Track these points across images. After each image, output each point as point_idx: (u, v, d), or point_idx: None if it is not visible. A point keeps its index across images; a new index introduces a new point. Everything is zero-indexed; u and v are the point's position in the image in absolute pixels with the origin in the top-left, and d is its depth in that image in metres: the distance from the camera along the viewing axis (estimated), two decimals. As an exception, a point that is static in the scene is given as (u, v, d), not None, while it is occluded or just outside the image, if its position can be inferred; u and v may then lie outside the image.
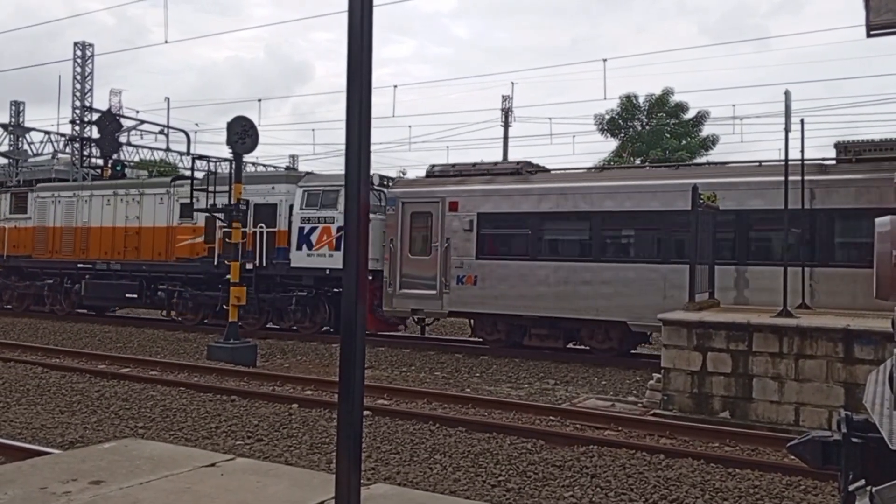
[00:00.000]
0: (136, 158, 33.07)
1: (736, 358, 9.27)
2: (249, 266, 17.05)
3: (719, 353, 9.38)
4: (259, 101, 44.83)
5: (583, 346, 15.24)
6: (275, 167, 38.39)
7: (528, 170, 16.24)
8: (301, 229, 17.38)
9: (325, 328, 17.74)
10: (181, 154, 32.18)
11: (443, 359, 14.90)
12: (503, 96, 36.27)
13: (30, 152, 32.75)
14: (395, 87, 70.42)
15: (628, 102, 36.58)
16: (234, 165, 14.53)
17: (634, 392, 11.59)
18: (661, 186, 14.12)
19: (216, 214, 15.60)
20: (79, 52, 31.41)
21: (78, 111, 31.01)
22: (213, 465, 4.34)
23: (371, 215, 15.84)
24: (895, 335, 2.76)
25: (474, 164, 17.17)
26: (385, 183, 17.94)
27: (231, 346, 13.89)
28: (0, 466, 4.83)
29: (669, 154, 33.30)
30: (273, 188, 18.23)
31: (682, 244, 13.29)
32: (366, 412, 6.56)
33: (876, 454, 2.57)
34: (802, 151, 11.24)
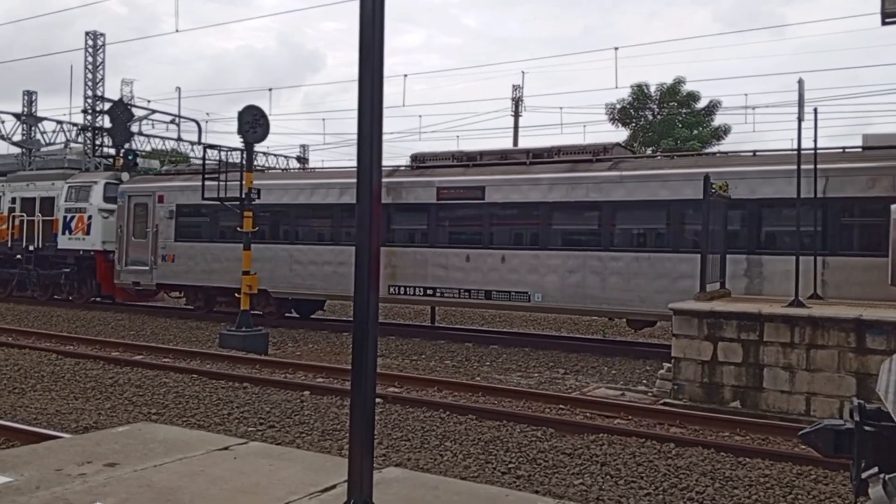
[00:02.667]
0: (148, 148, 33.19)
1: (747, 348, 9.25)
2: (31, 248, 22.22)
3: (730, 342, 9.36)
4: (270, 90, 44.80)
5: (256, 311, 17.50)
6: (286, 157, 38.44)
7: (222, 170, 18.87)
8: (65, 217, 21.55)
9: (92, 299, 21.56)
10: (192, 143, 32.26)
11: (453, 347, 14.94)
12: (513, 86, 36.19)
13: (42, 142, 32.93)
14: (405, 76, 70.24)
15: (639, 91, 36.31)
16: (245, 154, 14.57)
17: (644, 381, 11.59)
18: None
19: (228, 203, 15.66)
20: (90, 42, 31.52)
21: (90, 101, 31.15)
22: (226, 448, 4.38)
23: (110, 206, 20.80)
24: None
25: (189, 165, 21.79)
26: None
27: (243, 334, 13.98)
28: (16, 449, 4.89)
29: (681, 144, 33.10)
30: (53, 184, 22.53)
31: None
32: (377, 399, 6.61)
33: (889, 442, 2.57)
34: (815, 141, 11.14)
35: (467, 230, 15.60)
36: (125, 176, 21.70)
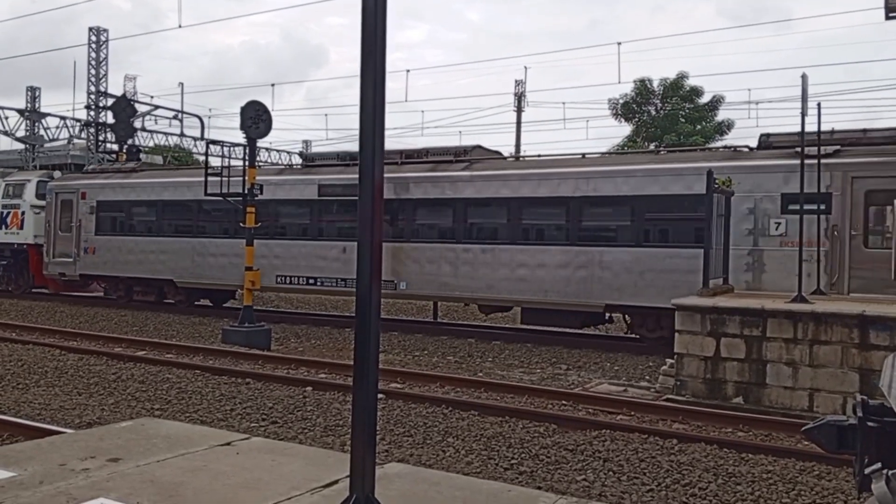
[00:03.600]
0: (151, 144, 33.24)
1: (750, 343, 9.24)
2: None
3: (733, 338, 9.35)
4: (272, 85, 44.78)
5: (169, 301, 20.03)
6: (288, 153, 38.43)
7: (140, 168, 20.73)
8: (2, 213, 22.99)
9: (28, 290, 22.83)
10: (195, 139, 32.30)
11: (455, 343, 14.94)
12: (516, 81, 36.12)
13: (45, 138, 32.97)
14: (408, 71, 70.04)
15: (642, 87, 36.23)
16: (247, 150, 14.56)
17: (647, 377, 11.58)
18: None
19: (231, 199, 15.66)
20: (94, 38, 31.52)
21: (93, 96, 31.16)
22: (228, 444, 4.38)
23: (42, 202, 22.01)
24: None
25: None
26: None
27: (246, 330, 13.99)
28: (20, 444, 4.91)
29: (683, 139, 33.02)
30: None
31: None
32: (379, 395, 6.60)
33: (892, 438, 2.57)
34: (819, 136, 11.12)
35: (344, 224, 16.66)
36: (57, 174, 23.65)
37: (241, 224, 14.53)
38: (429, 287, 15.69)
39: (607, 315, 15.37)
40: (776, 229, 12.73)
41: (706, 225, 10.96)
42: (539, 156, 16.88)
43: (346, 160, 17.29)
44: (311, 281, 16.94)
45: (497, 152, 18.05)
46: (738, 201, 12.57)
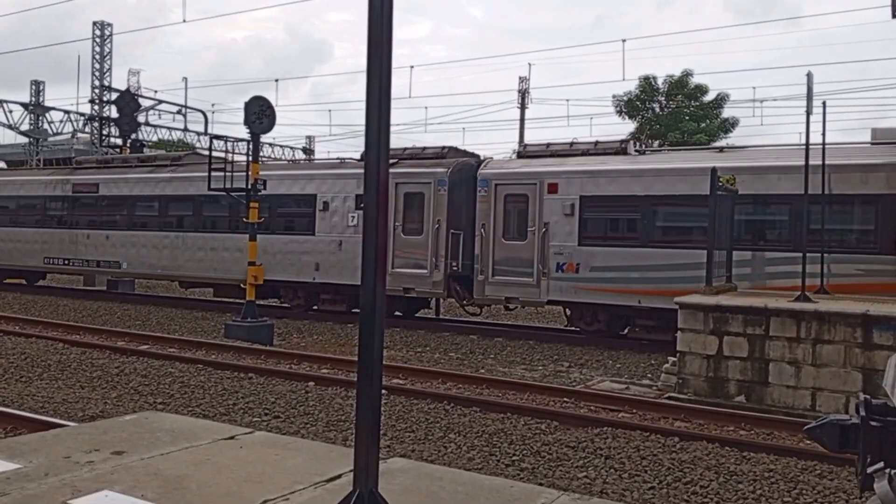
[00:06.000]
0: (155, 138, 33.25)
1: (752, 342, 9.24)
2: None
3: (736, 337, 9.35)
4: (276, 80, 44.65)
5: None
6: (292, 148, 38.43)
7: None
8: None
9: None
10: (199, 134, 32.30)
11: (457, 340, 14.96)
12: (520, 77, 36.02)
13: (50, 131, 33.00)
14: (412, 67, 69.94)
15: (647, 84, 36.15)
16: (251, 145, 14.57)
17: (649, 375, 11.59)
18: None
19: (234, 194, 15.69)
20: (98, 32, 31.52)
21: (97, 91, 31.18)
22: (231, 437, 4.40)
23: None
24: None
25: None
26: None
27: (248, 325, 14.01)
28: (25, 436, 4.93)
29: (687, 137, 32.96)
30: None
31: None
32: (382, 391, 6.64)
33: (895, 438, 2.57)
34: (823, 135, 11.09)
35: (88, 217, 21.14)
36: None
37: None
38: (142, 267, 20.02)
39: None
40: (353, 221, 16.64)
41: (709, 225, 10.95)
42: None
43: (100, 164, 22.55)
44: (67, 262, 21.48)
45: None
46: (341, 201, 17.10)
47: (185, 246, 19.08)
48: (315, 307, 17.98)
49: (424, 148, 17.38)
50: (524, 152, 16.48)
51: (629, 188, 14.10)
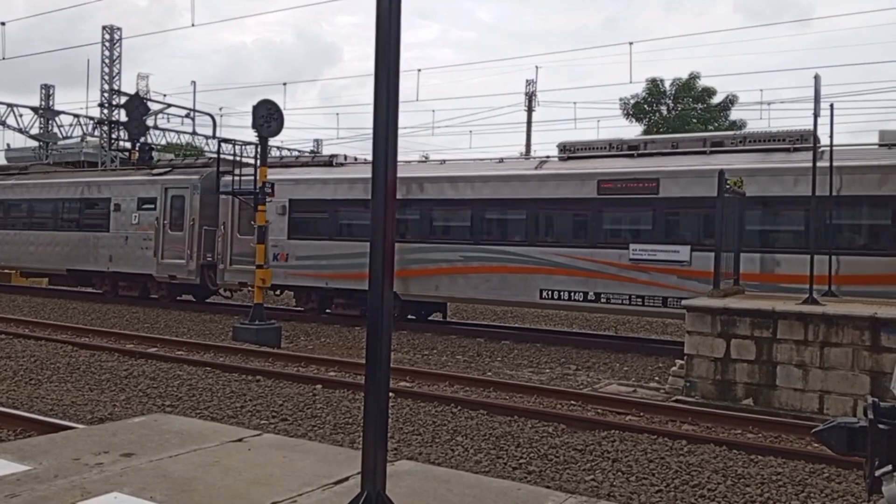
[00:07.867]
0: (163, 142, 33.43)
1: (760, 345, 9.21)
2: None
3: (743, 339, 9.32)
4: (284, 84, 44.81)
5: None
6: (299, 151, 38.52)
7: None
8: None
9: None
10: (207, 137, 32.46)
11: (464, 343, 14.96)
12: (527, 80, 36.04)
13: (59, 135, 33.23)
14: (419, 70, 70.18)
15: (654, 87, 36.12)
16: (259, 148, 14.63)
17: (657, 378, 11.56)
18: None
19: (241, 196, 15.75)
20: (107, 36, 31.72)
21: (106, 95, 31.37)
22: (240, 440, 4.42)
23: None
24: None
25: None
26: None
27: (256, 328, 14.05)
28: (35, 438, 4.96)
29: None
30: None
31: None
32: (389, 394, 6.65)
33: (902, 440, 2.56)
34: (832, 137, 11.07)
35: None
36: None
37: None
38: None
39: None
40: (135, 220, 20.23)
41: (717, 226, 10.92)
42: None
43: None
44: None
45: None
46: (128, 203, 20.57)
47: (23, 241, 23.32)
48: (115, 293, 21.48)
49: (211, 159, 20.47)
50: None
51: (321, 193, 17.67)
